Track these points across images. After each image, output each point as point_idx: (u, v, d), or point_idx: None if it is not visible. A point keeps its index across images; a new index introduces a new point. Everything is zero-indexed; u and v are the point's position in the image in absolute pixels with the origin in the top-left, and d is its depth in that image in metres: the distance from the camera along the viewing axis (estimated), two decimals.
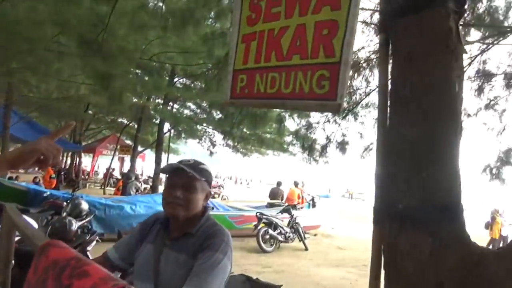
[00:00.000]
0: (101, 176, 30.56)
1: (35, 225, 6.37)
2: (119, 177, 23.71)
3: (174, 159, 20.40)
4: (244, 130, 12.25)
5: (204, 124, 17.01)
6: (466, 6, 1.56)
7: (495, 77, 6.78)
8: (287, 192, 15.37)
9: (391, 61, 1.73)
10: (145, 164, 28.37)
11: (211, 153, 18.50)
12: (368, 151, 8.19)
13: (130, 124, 22.44)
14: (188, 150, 31.53)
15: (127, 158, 24.03)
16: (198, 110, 17.63)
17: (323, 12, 1.95)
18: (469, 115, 7.10)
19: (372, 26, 6.56)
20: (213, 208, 12.42)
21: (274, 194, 14.96)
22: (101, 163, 37.94)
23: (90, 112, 21.51)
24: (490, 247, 14.86)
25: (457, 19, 1.52)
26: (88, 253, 6.17)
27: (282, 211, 11.88)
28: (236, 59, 2.44)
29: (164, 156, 17.18)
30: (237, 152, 17.25)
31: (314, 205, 17.11)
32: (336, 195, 45.74)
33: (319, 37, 1.95)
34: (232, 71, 2.44)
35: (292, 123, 10.86)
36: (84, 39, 6.19)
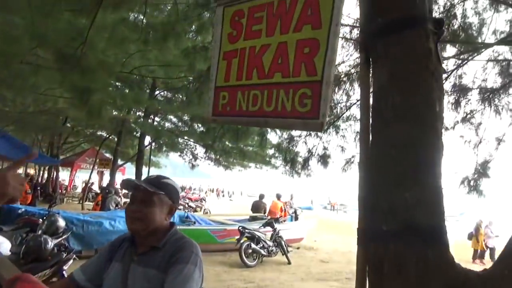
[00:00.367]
0: (79, 190, 29.85)
1: (8, 244, 6.14)
2: (98, 191, 23.21)
3: (155, 172, 20.12)
4: (226, 143, 12.21)
5: (186, 137, 16.89)
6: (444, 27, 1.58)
7: (471, 91, 6.97)
8: (270, 205, 15.31)
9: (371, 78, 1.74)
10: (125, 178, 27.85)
11: (193, 166, 18.36)
12: (349, 164, 8.25)
13: (110, 137, 22.09)
14: (169, 163, 31.21)
15: (107, 172, 23.58)
16: (180, 123, 17.52)
17: (304, 31, 1.96)
18: (446, 129, 7.25)
19: (352, 41, 6.68)
20: (195, 223, 12.25)
21: (257, 207, 14.88)
22: (79, 177, 37.18)
23: (68, 125, 21.08)
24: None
25: (436, 40, 1.54)
26: (64, 272, 5.97)
27: (264, 225, 11.79)
28: (217, 76, 2.41)
29: (145, 169, 16.93)
30: (219, 165, 17.16)
31: (296, 218, 17.09)
32: (318, 207, 45.85)
33: (300, 56, 1.95)
34: (214, 88, 2.42)
35: (274, 136, 10.91)
36: (62, 53, 6.08)
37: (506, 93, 7.14)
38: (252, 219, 13.97)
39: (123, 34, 6.92)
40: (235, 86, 2.28)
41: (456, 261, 1.41)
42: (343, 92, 7.26)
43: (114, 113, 15.30)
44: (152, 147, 18.40)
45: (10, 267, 1.55)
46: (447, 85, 6.84)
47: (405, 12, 1.55)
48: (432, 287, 1.34)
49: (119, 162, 20.16)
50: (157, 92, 15.15)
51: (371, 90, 1.74)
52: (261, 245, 10.77)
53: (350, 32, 6.61)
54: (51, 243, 6.10)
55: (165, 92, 15.25)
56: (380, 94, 1.59)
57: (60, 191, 24.81)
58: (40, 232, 7.18)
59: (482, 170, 7.21)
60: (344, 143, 7.72)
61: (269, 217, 13.79)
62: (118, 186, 25.07)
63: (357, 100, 7.39)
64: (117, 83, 12.48)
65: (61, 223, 8.00)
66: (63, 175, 35.19)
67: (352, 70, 6.99)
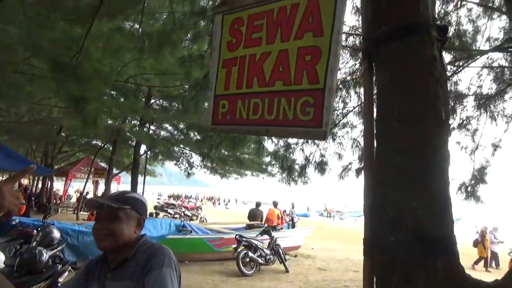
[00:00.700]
0: (73, 200, 29.59)
1: (2, 256, 6.03)
2: None
3: (150, 181, 20.01)
4: (223, 151, 12.16)
5: (182, 146, 16.81)
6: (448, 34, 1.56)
7: (467, 98, 7.01)
8: (266, 212, 15.24)
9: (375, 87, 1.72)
10: (121, 187, 27.67)
11: (189, 174, 18.27)
12: (346, 171, 8.24)
13: (105, 147, 21.95)
14: (164, 171, 31.04)
15: (102, 181, 23.40)
16: (175, 132, 17.45)
17: (305, 38, 1.94)
18: None
19: (348, 48, 6.70)
20: (191, 232, 12.14)
21: (254, 215, 14.78)
22: (73, 186, 36.86)
23: (62, 134, 20.93)
24: (482, 263, 15.15)
25: (440, 47, 1.52)
26: (59, 285, 5.86)
27: (262, 233, 11.70)
28: (217, 84, 2.39)
29: (140, 178, 16.81)
30: (215, 174, 17.09)
31: (293, 226, 17.03)
32: (314, 214, 45.75)
33: (302, 63, 1.93)
34: (213, 96, 2.39)
35: (270, 143, 10.88)
36: (58, 62, 6.04)
37: (501, 99, 7.19)
38: (249, 227, 13.89)
39: (118, 43, 6.90)
40: (235, 94, 2.26)
41: None
42: (339, 99, 7.27)
43: (109, 122, 15.24)
44: (148, 156, 18.31)
45: (3, 281, 1.50)
46: None
47: (409, 19, 1.53)
48: None
49: (114, 171, 20.00)
50: (152, 101, 15.11)
51: (374, 96, 1.72)
52: (259, 253, 10.67)
53: (346, 39, 6.63)
54: (46, 255, 6.00)
55: (161, 100, 15.21)
56: (385, 101, 1.57)
57: (54, 201, 24.58)
58: (34, 243, 7.05)
59: (479, 176, 7.22)
60: (341, 150, 7.71)
61: (266, 225, 13.70)
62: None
63: (354, 107, 7.41)
64: (112, 92, 12.44)
65: (56, 234, 7.87)
66: (58, 184, 34.90)
67: (348, 78, 7.01)
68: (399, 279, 1.38)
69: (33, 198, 21.67)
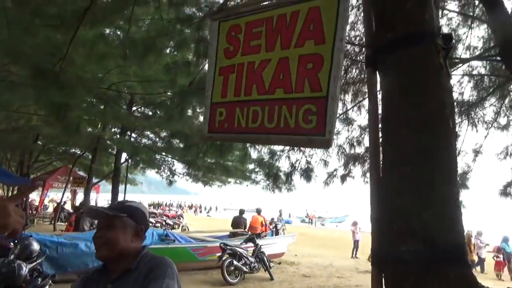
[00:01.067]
0: (50, 210, 28.75)
1: None
2: (71, 210, 22.37)
3: (130, 189, 19.64)
4: (207, 159, 12.07)
5: (164, 154, 16.59)
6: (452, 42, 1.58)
7: None
8: (250, 220, 15.16)
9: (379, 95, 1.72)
10: (100, 196, 27.07)
11: (171, 182, 18.02)
12: (331, 178, 8.29)
13: (84, 155, 21.44)
14: (144, 180, 30.54)
15: (80, 191, 22.83)
16: (157, 139, 17.22)
17: (306, 46, 1.93)
18: None
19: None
20: (174, 241, 11.93)
21: (237, 222, 14.68)
22: (49, 196, 35.82)
23: (39, 143, 20.33)
24: None
25: (445, 56, 1.53)
26: None
27: (246, 240, 11.62)
28: (213, 92, 2.35)
29: (121, 187, 16.48)
30: (198, 181, 16.90)
31: (277, 233, 17.01)
32: (296, 220, 45.87)
33: (303, 71, 1.91)
34: (210, 104, 2.35)
35: (253, 151, 10.86)
36: (40, 69, 5.86)
37: (481, 107, 7.39)
38: (233, 235, 13.77)
39: (103, 50, 6.76)
40: (233, 102, 2.22)
41: None
42: None
43: (89, 129, 14.90)
44: (129, 164, 17.98)
45: None
46: None
47: (415, 28, 1.54)
48: None
49: (94, 180, 19.54)
50: (134, 108, 14.89)
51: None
52: (243, 261, 10.59)
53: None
54: (25, 268, 5.78)
55: (142, 108, 15.01)
56: (392, 109, 1.57)
57: (30, 211, 23.81)
58: (12, 257, 6.77)
59: (461, 182, 7.37)
60: (327, 157, 7.75)
61: (249, 232, 13.62)
62: (93, 204, 24.37)
63: (339, 115, 7.47)
64: (92, 100, 12.17)
65: (35, 246, 7.58)
66: (33, 194, 33.87)
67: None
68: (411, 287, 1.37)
69: None
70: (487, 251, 16.46)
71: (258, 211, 15.47)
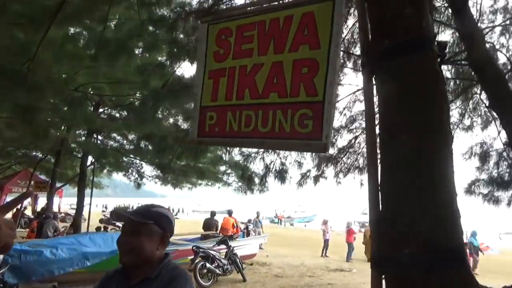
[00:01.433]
0: (9, 215, 27.34)
1: None
2: (32, 216, 21.40)
3: (96, 193, 19.00)
4: (179, 162, 11.87)
5: (132, 156, 16.19)
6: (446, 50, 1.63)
7: None
8: (221, 222, 15.10)
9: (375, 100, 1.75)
10: (63, 201, 26.05)
11: (139, 185, 17.61)
12: (305, 179, 8.39)
13: (46, 158, 20.53)
14: (109, 183, 29.66)
15: (42, 195, 21.86)
16: (125, 142, 16.77)
17: (301, 51, 1.94)
18: None
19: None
20: None
21: (209, 225, 14.56)
22: (5, 201, 34.05)
23: None
24: None
25: (440, 62, 1.58)
26: None
27: (219, 243, 11.55)
28: (203, 95, 2.31)
29: (87, 191, 15.93)
30: (167, 184, 16.60)
31: (248, 234, 17.02)
32: (265, 221, 46.05)
33: (298, 76, 1.92)
34: (199, 108, 2.31)
35: (225, 154, 10.79)
36: (5, 70, 5.53)
37: None
38: (204, 237, 13.63)
39: (72, 50, 6.48)
40: (224, 106, 2.19)
41: None
42: None
43: (52, 131, 14.28)
44: (95, 167, 17.41)
45: None
46: None
47: (414, 35, 1.58)
48: None
49: (58, 184, 18.76)
50: (101, 110, 14.44)
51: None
52: (216, 264, 10.52)
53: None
54: None
55: (112, 110, 14.57)
56: (390, 114, 1.60)
57: None
58: None
59: None
60: (301, 158, 7.83)
61: (221, 234, 13.54)
62: (55, 210, 23.40)
63: None
64: (56, 101, 11.64)
65: None
66: None
67: None
68: None
69: None
70: None
71: (230, 213, 15.42)
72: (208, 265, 10.21)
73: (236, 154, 9.12)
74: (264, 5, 2.17)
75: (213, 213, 15.05)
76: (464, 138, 8.09)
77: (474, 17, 5.24)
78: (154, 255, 1.71)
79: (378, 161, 1.66)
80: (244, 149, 8.59)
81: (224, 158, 11.27)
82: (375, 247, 1.59)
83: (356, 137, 7.86)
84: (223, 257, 10.96)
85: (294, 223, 45.85)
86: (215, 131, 2.22)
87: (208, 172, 13.48)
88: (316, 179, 8.46)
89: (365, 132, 1.77)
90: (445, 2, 6.17)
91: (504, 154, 7.75)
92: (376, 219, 1.59)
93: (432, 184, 1.47)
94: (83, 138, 15.05)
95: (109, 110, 14.88)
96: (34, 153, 20.59)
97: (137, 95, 10.50)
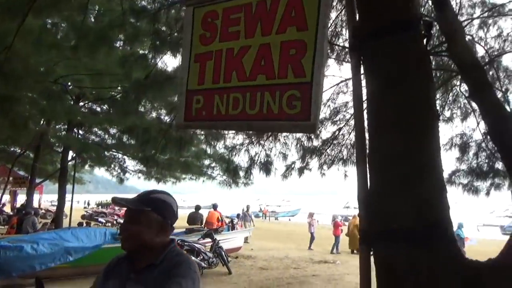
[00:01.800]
0: None
1: None
2: (11, 213, 20.94)
3: (79, 189, 18.70)
4: (163, 156, 11.76)
5: (114, 150, 15.96)
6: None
7: None
8: (206, 216, 15.06)
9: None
10: (44, 197, 25.53)
11: (121, 180, 17.41)
12: (290, 171, 8.43)
13: (25, 154, 20.07)
14: (91, 178, 29.22)
15: (21, 192, 21.40)
16: (106, 136, 16.51)
17: (288, 32, 1.93)
18: None
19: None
20: None
21: (193, 218, 14.48)
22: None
23: None
24: None
25: (426, 43, 1.60)
26: None
27: (204, 236, 11.54)
28: (189, 79, 2.29)
29: (69, 186, 15.65)
30: (151, 178, 16.45)
31: (233, 227, 17.03)
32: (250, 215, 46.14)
33: (286, 57, 1.92)
34: (185, 92, 2.28)
35: (208, 147, 10.74)
36: None
37: None
38: (189, 231, 13.57)
39: (51, 40, 6.30)
40: (211, 89, 2.18)
41: None
42: None
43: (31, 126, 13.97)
44: (76, 162, 17.10)
45: None
46: None
47: (400, 15, 1.59)
48: (445, 281, 1.36)
49: (37, 180, 18.37)
50: (82, 104, 14.16)
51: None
52: (201, 257, 10.52)
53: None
54: None
55: (91, 104, 14.30)
56: (379, 95, 1.62)
57: None
58: None
59: None
60: (286, 150, 7.86)
61: (206, 228, 13.51)
62: (35, 205, 22.92)
63: None
64: (33, 95, 11.34)
65: None
66: None
67: None
68: (402, 265, 1.43)
69: None
70: None
71: (214, 207, 15.38)
72: (193, 258, 10.18)
73: (220, 148, 9.12)
74: None
75: (197, 207, 14.98)
76: (445, 129, 8.27)
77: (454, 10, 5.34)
78: (154, 243, 1.69)
79: (367, 137, 1.68)
80: (228, 142, 8.61)
81: (209, 152, 11.22)
82: (363, 224, 1.61)
83: (340, 129, 7.93)
84: (209, 250, 10.97)
85: (278, 217, 46.09)
86: (202, 114, 2.20)
87: (192, 166, 13.39)
88: (301, 171, 8.51)
89: (349, 123, 1.78)
90: None
91: (483, 145, 7.95)
92: (364, 195, 1.61)
93: (421, 162, 1.49)
94: (64, 132, 14.73)
95: (90, 104, 14.61)
96: (12, 149, 20.10)
97: (119, 88, 10.32)
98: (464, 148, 8.27)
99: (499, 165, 7.57)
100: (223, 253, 11.13)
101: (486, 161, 8.01)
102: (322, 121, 7.80)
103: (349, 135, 7.61)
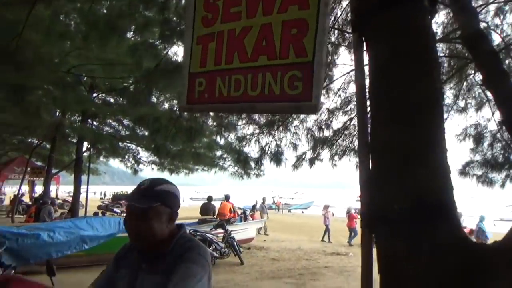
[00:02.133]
0: (7, 203, 27.36)
1: None
2: (30, 202, 21.41)
3: (92, 180, 18.96)
4: (174, 148, 11.80)
5: (128, 141, 16.11)
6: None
7: None
8: (218, 206, 15.15)
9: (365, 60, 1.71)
10: (60, 188, 26.02)
11: (135, 171, 17.59)
12: (300, 161, 8.37)
13: (41, 145, 20.46)
14: (107, 170, 29.65)
15: (39, 182, 21.86)
16: (120, 127, 16.67)
17: (290, 11, 1.88)
18: None
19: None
20: None
21: (206, 209, 14.59)
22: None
23: None
24: None
25: (430, 18, 1.54)
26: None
27: (216, 227, 11.63)
28: (191, 62, 2.26)
29: (83, 177, 15.89)
30: (164, 170, 16.57)
31: (245, 219, 17.10)
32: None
33: (287, 37, 1.87)
34: (188, 75, 2.26)
35: (220, 137, 10.74)
36: None
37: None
38: (202, 222, 13.69)
39: (61, 29, 6.35)
40: (213, 71, 2.15)
41: None
42: None
43: (47, 117, 14.19)
44: (91, 153, 17.36)
45: None
46: None
47: None
48: (447, 264, 1.32)
49: (54, 170, 18.72)
50: (95, 95, 14.32)
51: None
52: (214, 247, 10.63)
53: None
54: None
55: (103, 94, 14.43)
56: (381, 74, 1.56)
57: None
58: None
59: None
60: (296, 140, 7.79)
61: (218, 219, 13.60)
62: (53, 195, 23.42)
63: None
64: (49, 86, 11.51)
65: None
66: None
67: None
68: (403, 249, 1.38)
69: None
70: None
71: (227, 198, 15.47)
72: None
73: (232, 139, 9.10)
74: None
75: (210, 198, 15.08)
76: (459, 119, 8.09)
77: None
78: (164, 234, 1.67)
79: (369, 116, 1.63)
80: (239, 133, 8.58)
81: (220, 142, 11.23)
82: (364, 208, 1.57)
83: (351, 119, 7.82)
84: (221, 240, 11.06)
85: (291, 209, 46.08)
86: (204, 97, 2.17)
87: (204, 157, 13.42)
88: (312, 161, 8.44)
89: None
90: None
91: (498, 135, 7.75)
92: (366, 177, 1.56)
93: (424, 141, 1.44)
94: (78, 123, 14.93)
95: (103, 95, 14.74)
96: (30, 140, 20.51)
97: (130, 77, 10.38)
98: (478, 138, 8.07)
99: None
100: (235, 243, 11.22)
101: (502, 152, 7.81)
102: (333, 111, 7.71)
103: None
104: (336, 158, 8.41)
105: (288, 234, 19.54)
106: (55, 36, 6.08)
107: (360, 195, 1.60)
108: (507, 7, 6.61)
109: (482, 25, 5.99)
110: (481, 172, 8.20)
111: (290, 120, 7.72)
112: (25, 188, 25.04)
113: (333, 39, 6.50)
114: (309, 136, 7.87)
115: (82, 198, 17.48)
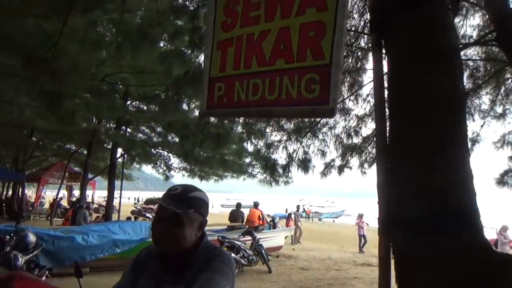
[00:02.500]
0: (47, 206, 28.55)
1: None
2: (68, 206, 22.26)
3: (126, 186, 19.52)
4: (204, 152, 11.95)
5: (159, 148, 16.49)
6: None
7: None
8: (247, 214, 15.14)
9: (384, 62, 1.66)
10: (96, 193, 26.88)
11: (167, 177, 17.92)
12: (329, 169, 8.24)
13: (79, 151, 21.30)
14: (140, 176, 30.40)
15: (76, 187, 22.71)
16: (152, 134, 17.10)
17: (308, 14, 1.87)
18: None
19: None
20: None
21: (234, 216, 14.61)
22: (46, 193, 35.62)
23: (33, 139, 20.14)
24: None
25: (453, 17, 1.48)
26: None
27: (244, 234, 11.59)
28: (211, 66, 2.29)
29: (117, 183, 16.37)
30: (195, 176, 16.82)
31: (274, 226, 16.98)
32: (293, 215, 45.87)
33: (305, 40, 1.85)
34: (208, 80, 2.28)
35: (250, 144, 10.77)
36: (31, 57, 5.70)
37: (477, 96, 7.35)
38: (230, 228, 13.71)
39: (95, 39, 6.61)
40: (232, 76, 2.16)
41: None
42: None
43: (84, 125, 14.78)
44: (124, 160, 17.88)
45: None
46: None
47: None
48: (467, 273, 1.24)
49: (89, 175, 19.42)
50: (129, 102, 14.78)
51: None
52: (241, 254, 10.57)
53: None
54: (21, 259, 5.72)
55: (137, 102, 14.87)
56: (401, 75, 1.51)
57: (26, 207, 23.64)
58: (8, 249, 6.69)
59: None
60: (324, 147, 7.69)
61: (247, 226, 13.58)
62: (89, 200, 24.24)
63: (338, 103, 7.40)
64: (86, 94, 12.01)
65: (32, 238, 7.51)
66: (29, 190, 33.66)
67: None
68: (422, 255, 1.32)
69: (4, 205, 20.77)
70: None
71: (256, 205, 15.42)
72: (233, 255, 10.25)
73: (261, 146, 9.10)
74: None
75: (239, 205, 15.10)
76: (496, 126, 7.70)
77: None
78: (193, 240, 1.65)
79: (387, 119, 1.57)
80: (268, 139, 8.56)
81: (247, 149, 11.25)
82: (381, 213, 1.51)
83: None
84: (249, 248, 10.99)
85: (322, 218, 45.40)
86: (223, 102, 2.18)
87: (232, 163, 13.50)
88: (341, 169, 8.29)
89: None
90: None
91: None
92: (383, 181, 1.51)
93: (443, 144, 1.37)
94: (113, 130, 15.44)
95: (136, 102, 15.18)
96: (68, 146, 21.39)
97: (161, 85, 10.64)
98: None
99: None
100: (263, 251, 11.11)
101: None
102: (362, 118, 7.56)
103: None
104: (365, 165, 8.22)
105: (317, 243, 19.25)
106: (89, 46, 6.35)
107: (378, 201, 1.55)
108: None
109: None
110: None
111: (319, 126, 7.64)
112: (63, 192, 26.08)
113: (362, 44, 6.40)
114: (337, 143, 7.75)
115: (116, 203, 17.99)
